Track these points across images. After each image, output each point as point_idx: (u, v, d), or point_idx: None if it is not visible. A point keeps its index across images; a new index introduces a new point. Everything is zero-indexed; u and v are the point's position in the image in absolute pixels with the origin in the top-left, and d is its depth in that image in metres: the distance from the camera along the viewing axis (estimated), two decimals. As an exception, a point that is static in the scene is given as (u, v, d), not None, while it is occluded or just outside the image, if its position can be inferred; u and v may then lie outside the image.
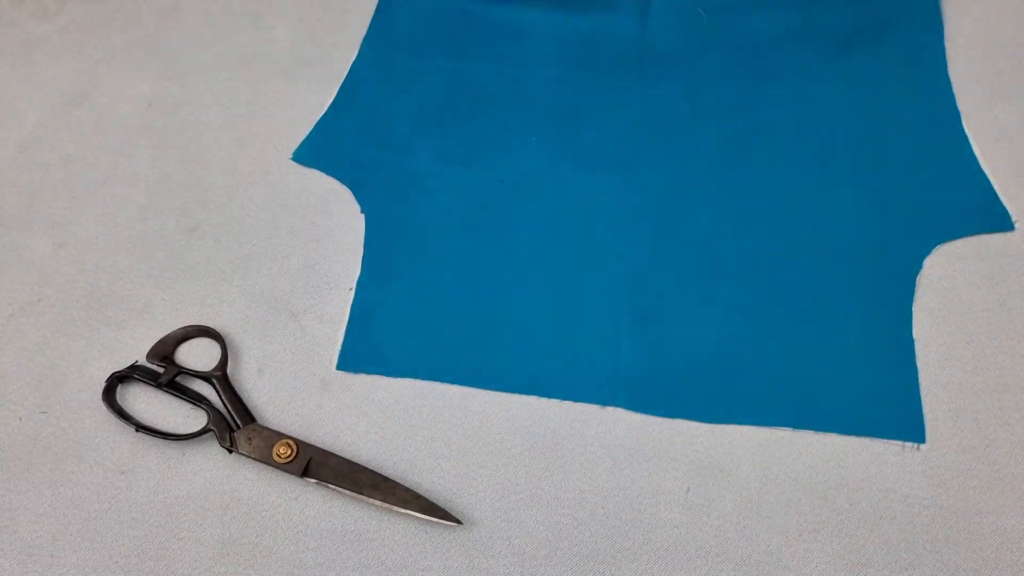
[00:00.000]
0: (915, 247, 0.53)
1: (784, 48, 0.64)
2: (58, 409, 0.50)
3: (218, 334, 0.51)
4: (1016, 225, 0.54)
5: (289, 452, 0.46)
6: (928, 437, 0.47)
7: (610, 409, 0.49)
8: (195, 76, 0.65)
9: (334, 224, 0.57)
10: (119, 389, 0.51)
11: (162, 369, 0.50)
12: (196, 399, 0.49)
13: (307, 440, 0.48)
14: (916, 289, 0.52)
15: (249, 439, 0.47)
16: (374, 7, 0.69)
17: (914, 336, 0.50)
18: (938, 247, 0.53)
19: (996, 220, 0.55)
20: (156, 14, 0.68)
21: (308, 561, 0.45)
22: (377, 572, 0.45)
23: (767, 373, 0.49)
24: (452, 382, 0.50)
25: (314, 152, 0.61)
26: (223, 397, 0.49)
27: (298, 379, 0.51)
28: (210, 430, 0.47)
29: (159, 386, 0.50)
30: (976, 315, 0.51)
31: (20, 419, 0.50)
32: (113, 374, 0.50)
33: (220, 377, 0.50)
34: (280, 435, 0.47)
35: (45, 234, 0.57)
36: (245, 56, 0.65)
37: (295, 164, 0.60)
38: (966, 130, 0.58)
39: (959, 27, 0.63)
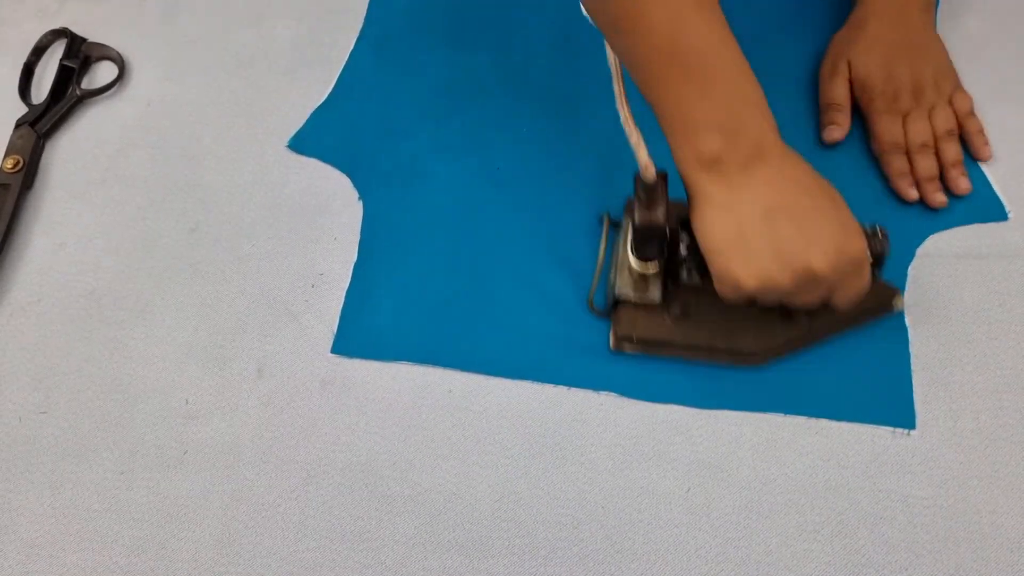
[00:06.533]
0: (908, 236, 0.53)
1: (778, 41, 0.64)
2: (58, 409, 0.50)
3: None
4: (1010, 215, 0.54)
5: None
6: (928, 437, 0.47)
7: (609, 405, 0.49)
8: (195, 76, 0.65)
9: (334, 224, 0.56)
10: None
11: None
12: None
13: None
14: (910, 281, 0.52)
15: None
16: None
17: (911, 334, 0.50)
18: (932, 237, 0.53)
19: (990, 210, 0.54)
20: (156, 14, 0.68)
21: (308, 561, 0.45)
22: (377, 572, 0.45)
23: None
24: (448, 366, 0.50)
25: (311, 140, 0.60)
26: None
27: (298, 379, 0.51)
28: None
29: None
30: (975, 315, 0.51)
31: (20, 419, 0.50)
32: None
33: None
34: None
35: (45, 234, 0.57)
36: (245, 56, 0.65)
37: (294, 164, 0.59)
38: None
39: (960, 25, 0.63)
